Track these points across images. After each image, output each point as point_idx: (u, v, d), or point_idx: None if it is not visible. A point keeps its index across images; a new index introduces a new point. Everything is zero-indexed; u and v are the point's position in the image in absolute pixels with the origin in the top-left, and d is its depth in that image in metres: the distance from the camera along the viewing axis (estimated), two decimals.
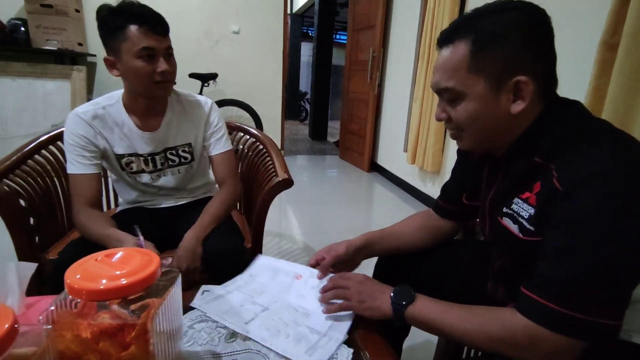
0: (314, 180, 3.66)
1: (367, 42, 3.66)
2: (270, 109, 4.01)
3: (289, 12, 3.99)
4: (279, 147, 4.09)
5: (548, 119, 0.57)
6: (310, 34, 9.00)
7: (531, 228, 0.57)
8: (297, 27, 8.57)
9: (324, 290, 0.73)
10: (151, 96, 0.95)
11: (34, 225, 0.98)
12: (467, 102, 0.58)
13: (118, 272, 0.45)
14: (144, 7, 0.89)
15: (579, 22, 1.57)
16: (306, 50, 9.05)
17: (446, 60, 0.59)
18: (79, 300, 0.44)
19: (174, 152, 1.05)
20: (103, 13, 0.88)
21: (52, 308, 0.43)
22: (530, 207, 0.57)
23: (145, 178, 1.05)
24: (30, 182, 1.01)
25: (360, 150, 3.97)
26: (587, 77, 1.39)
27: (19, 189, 0.96)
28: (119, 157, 1.00)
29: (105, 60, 0.91)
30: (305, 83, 9.19)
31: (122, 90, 0.99)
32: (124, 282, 0.44)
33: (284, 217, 2.54)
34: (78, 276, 0.44)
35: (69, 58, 3.10)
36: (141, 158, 1.02)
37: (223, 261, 0.91)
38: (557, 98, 0.60)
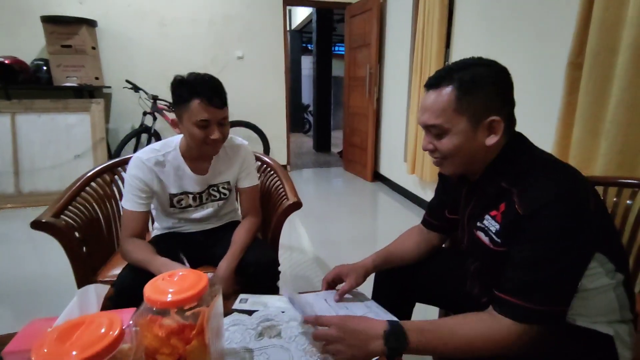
0: (321, 193, 3.82)
1: (364, 60, 3.85)
2: (276, 126, 4.21)
3: (287, 28, 4.19)
4: (285, 162, 4.29)
5: (510, 151, 0.74)
6: (309, 48, 9.20)
7: (498, 240, 0.73)
8: (296, 42, 8.80)
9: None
10: (202, 154, 1.13)
11: (86, 252, 1.16)
12: (451, 136, 0.72)
13: (177, 289, 0.62)
14: (207, 82, 1.03)
15: (552, 44, 1.74)
16: (306, 64, 9.23)
17: (434, 102, 0.72)
18: (153, 308, 0.61)
19: (215, 188, 1.24)
20: (175, 83, 1.04)
21: (136, 316, 0.60)
22: (497, 224, 0.73)
23: (190, 211, 1.23)
24: (80, 215, 1.19)
25: (363, 162, 4.13)
26: (560, 94, 1.55)
27: (73, 222, 1.15)
28: (172, 195, 1.18)
29: (171, 121, 1.10)
30: (307, 95, 9.37)
31: (178, 138, 1.16)
32: (185, 295, 0.61)
33: (293, 230, 2.70)
34: (153, 291, 0.61)
35: (87, 92, 3.34)
36: (190, 195, 1.20)
37: (260, 272, 1.10)
38: (515, 133, 0.77)
